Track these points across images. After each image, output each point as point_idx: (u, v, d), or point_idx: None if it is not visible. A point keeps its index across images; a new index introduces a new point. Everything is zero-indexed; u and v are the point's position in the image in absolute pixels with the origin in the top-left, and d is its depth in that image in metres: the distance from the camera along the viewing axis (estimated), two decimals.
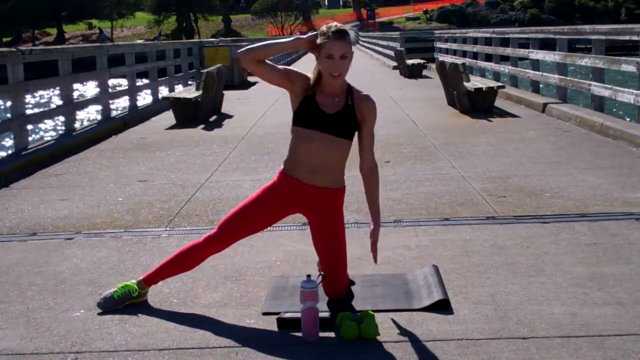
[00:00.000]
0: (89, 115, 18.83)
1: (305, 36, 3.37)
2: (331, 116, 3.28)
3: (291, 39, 3.47)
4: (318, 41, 3.25)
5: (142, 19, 76.21)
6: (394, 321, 3.21)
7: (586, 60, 10.34)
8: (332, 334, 3.10)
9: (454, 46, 20.92)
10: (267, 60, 3.38)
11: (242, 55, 3.36)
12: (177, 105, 11.25)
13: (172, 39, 59.23)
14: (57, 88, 12.56)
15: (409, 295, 3.49)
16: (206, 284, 3.79)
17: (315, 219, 3.41)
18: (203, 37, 62.44)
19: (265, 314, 3.35)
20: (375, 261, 3.43)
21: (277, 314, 3.28)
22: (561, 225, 4.69)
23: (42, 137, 14.89)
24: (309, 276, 3.11)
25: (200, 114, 11.22)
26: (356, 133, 3.38)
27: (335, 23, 3.31)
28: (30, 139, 8.99)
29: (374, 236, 3.40)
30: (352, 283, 3.66)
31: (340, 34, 3.23)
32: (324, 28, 3.28)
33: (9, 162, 7.54)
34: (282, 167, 3.42)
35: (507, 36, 15.17)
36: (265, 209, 3.39)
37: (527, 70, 13.56)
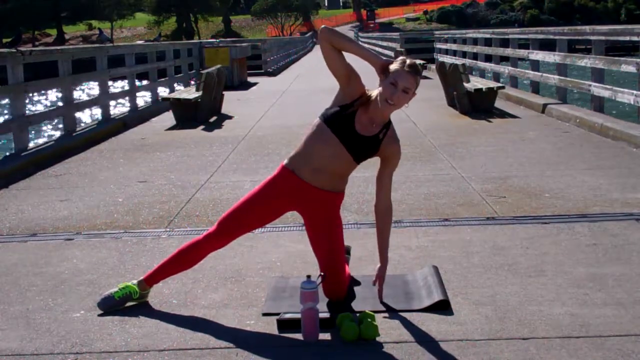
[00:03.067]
0: (89, 115, 18.84)
1: (384, 58, 3.32)
2: (359, 136, 3.27)
3: (371, 51, 3.40)
4: (391, 67, 3.22)
5: (142, 19, 76.26)
6: (394, 322, 3.21)
7: (586, 61, 10.34)
8: (332, 335, 3.10)
9: (454, 47, 20.92)
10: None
11: (323, 31, 3.31)
12: (177, 106, 11.25)
13: (172, 39, 59.25)
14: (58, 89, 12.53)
15: (409, 295, 3.49)
16: (206, 284, 3.79)
17: (312, 220, 3.41)
18: (203, 38, 62.50)
19: (265, 314, 3.35)
20: (381, 299, 3.43)
21: (277, 314, 3.28)
22: (561, 225, 4.69)
23: (42, 138, 14.90)
24: (308, 277, 3.10)
25: (200, 114, 11.22)
26: (376, 172, 3.41)
27: (413, 61, 3.25)
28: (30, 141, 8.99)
29: (380, 275, 3.43)
30: (356, 283, 3.66)
31: (414, 69, 3.21)
32: (402, 57, 3.28)
33: (9, 163, 7.53)
34: (285, 161, 3.41)
35: (507, 37, 15.17)
36: (264, 205, 3.38)
37: (527, 71, 13.56)
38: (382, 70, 3.25)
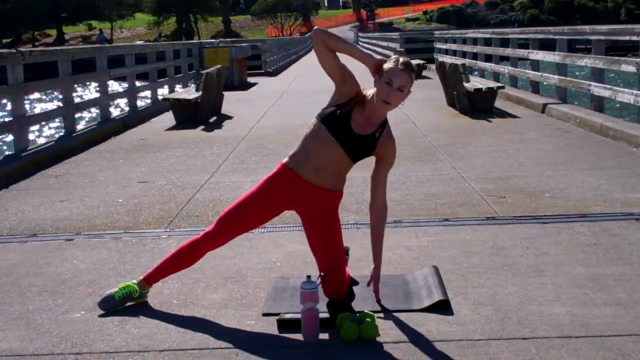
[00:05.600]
0: (89, 115, 18.84)
1: (377, 57, 3.33)
2: (355, 136, 3.27)
3: (365, 51, 3.42)
4: (385, 66, 3.23)
5: (142, 20, 76.25)
6: (394, 322, 3.21)
7: (586, 61, 10.35)
8: (332, 335, 3.10)
9: (454, 47, 20.92)
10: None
11: (317, 32, 3.33)
12: (177, 106, 11.25)
13: (171, 40, 59.25)
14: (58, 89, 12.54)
15: (409, 295, 3.49)
16: (206, 285, 3.79)
17: (312, 219, 3.40)
18: (203, 38, 62.50)
19: (265, 314, 3.35)
20: (378, 300, 3.42)
21: (277, 314, 3.28)
22: (561, 225, 4.69)
23: (42, 138, 14.90)
24: (309, 277, 3.11)
25: (200, 115, 11.22)
26: (372, 171, 3.41)
27: (407, 59, 3.26)
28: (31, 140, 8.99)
29: (375, 276, 3.42)
30: (356, 283, 3.66)
31: (409, 67, 3.22)
32: (395, 56, 3.30)
33: (9, 163, 7.53)
34: (285, 160, 3.41)
35: (506, 37, 15.17)
36: (263, 203, 3.38)
37: (526, 71, 13.56)
38: (376, 69, 3.26)
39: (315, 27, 3.45)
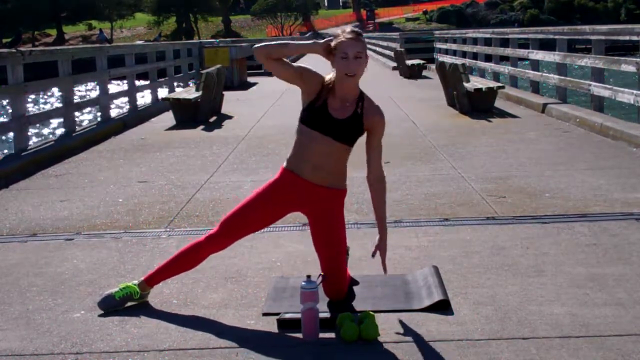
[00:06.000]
0: (89, 115, 18.83)
1: (322, 41, 3.36)
2: (338, 121, 3.28)
3: (309, 42, 3.45)
4: (333, 44, 3.26)
5: (142, 19, 76.25)
6: (394, 322, 3.21)
7: (586, 61, 10.35)
8: (332, 335, 3.10)
9: (454, 46, 20.93)
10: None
11: (256, 51, 3.36)
12: (177, 106, 11.25)
13: (171, 39, 59.25)
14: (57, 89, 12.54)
15: (409, 295, 3.49)
16: (206, 284, 3.79)
17: (315, 218, 3.41)
18: (203, 38, 62.49)
19: (265, 314, 3.35)
20: (385, 271, 3.41)
21: (277, 314, 3.28)
22: (561, 225, 4.69)
23: (42, 138, 14.90)
24: (309, 277, 3.11)
25: (200, 114, 11.22)
26: (364, 143, 3.39)
27: (350, 27, 3.32)
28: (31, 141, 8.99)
29: (381, 246, 3.39)
30: (356, 283, 3.66)
31: (355, 34, 3.26)
32: (338, 31, 3.32)
33: (9, 163, 7.53)
34: (284, 164, 3.42)
35: (506, 36, 15.17)
36: (267, 206, 3.39)
37: (526, 71, 13.56)
38: (327, 51, 3.30)
39: (254, 46, 3.47)
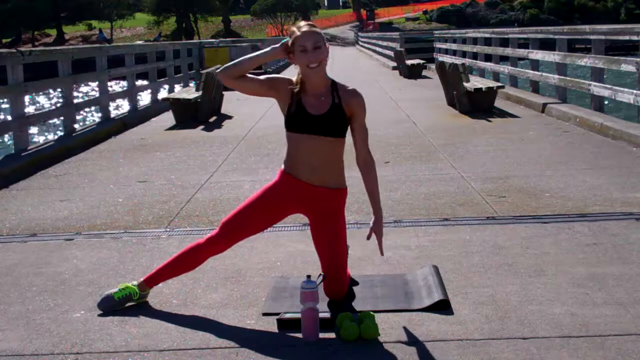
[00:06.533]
0: (89, 115, 18.83)
1: (278, 44, 3.37)
2: (319, 117, 3.29)
3: (267, 49, 3.46)
4: (290, 42, 3.29)
5: (142, 19, 76.19)
6: (394, 322, 3.21)
7: (586, 60, 10.34)
8: (332, 335, 3.10)
9: (454, 46, 20.93)
10: (247, 74, 3.39)
11: (220, 75, 3.38)
12: (177, 106, 11.26)
13: (171, 39, 59.22)
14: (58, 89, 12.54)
15: (409, 295, 3.49)
16: (206, 284, 3.79)
17: (316, 219, 3.41)
18: (203, 38, 62.48)
19: (265, 314, 3.35)
20: (382, 253, 3.41)
21: (277, 314, 3.28)
22: (561, 225, 4.69)
23: (42, 138, 14.90)
24: (309, 277, 3.11)
25: (200, 114, 11.22)
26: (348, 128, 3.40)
27: (304, 22, 3.35)
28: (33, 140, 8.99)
29: (377, 229, 3.38)
30: (355, 283, 3.66)
31: (309, 26, 3.29)
32: (293, 28, 3.33)
33: (9, 163, 7.53)
34: (282, 166, 3.43)
35: (506, 36, 15.17)
36: (267, 208, 3.39)
37: (526, 71, 13.56)
38: (286, 50, 3.32)
39: (217, 71, 3.49)
